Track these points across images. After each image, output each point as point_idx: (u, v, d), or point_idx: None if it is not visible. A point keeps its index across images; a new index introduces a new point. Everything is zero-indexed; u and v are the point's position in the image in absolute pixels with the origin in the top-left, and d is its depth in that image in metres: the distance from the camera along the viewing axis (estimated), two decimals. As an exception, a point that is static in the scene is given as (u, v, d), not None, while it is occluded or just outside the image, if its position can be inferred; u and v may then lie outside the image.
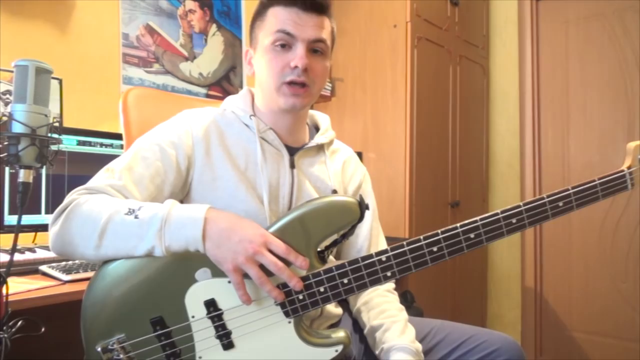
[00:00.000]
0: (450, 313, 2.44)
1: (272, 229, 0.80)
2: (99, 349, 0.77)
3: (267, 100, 0.98)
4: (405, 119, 2.19)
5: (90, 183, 0.86)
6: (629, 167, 0.87)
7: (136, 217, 0.78)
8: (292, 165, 0.98)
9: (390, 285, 1.06)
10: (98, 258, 0.80)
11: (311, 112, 1.11)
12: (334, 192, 1.01)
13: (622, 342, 2.41)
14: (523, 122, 2.75)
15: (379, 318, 0.97)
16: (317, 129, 1.09)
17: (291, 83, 0.93)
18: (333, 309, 1.01)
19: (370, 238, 1.06)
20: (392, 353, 0.90)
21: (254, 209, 0.92)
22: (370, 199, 1.11)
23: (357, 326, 1.05)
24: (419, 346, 0.92)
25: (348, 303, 1.09)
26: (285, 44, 0.93)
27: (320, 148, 1.05)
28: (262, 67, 0.97)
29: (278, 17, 0.93)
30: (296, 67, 0.91)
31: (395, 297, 1.05)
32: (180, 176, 0.91)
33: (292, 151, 1.00)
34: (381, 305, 1.00)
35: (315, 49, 0.95)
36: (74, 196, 0.83)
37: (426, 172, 2.28)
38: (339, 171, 1.06)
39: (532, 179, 2.71)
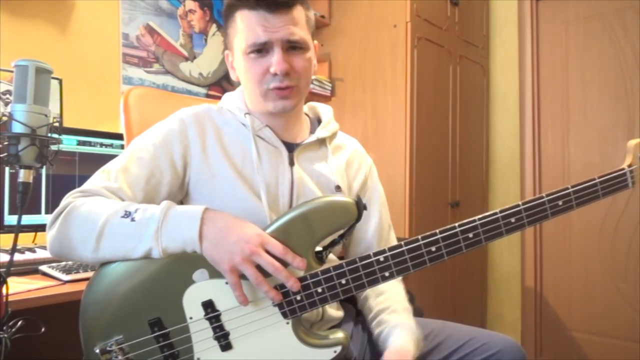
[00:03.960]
0: (451, 313, 2.44)
1: (269, 229, 0.80)
2: (98, 350, 0.77)
3: (256, 105, 0.97)
4: (405, 119, 2.19)
5: (86, 185, 0.86)
6: (629, 166, 0.86)
7: (133, 219, 0.78)
8: (292, 163, 0.97)
9: None
10: (96, 261, 0.80)
11: (313, 104, 1.10)
12: (337, 187, 1.00)
13: (622, 342, 2.41)
14: (523, 122, 2.75)
15: (387, 302, 0.98)
16: (319, 121, 1.07)
17: (276, 88, 0.91)
18: (334, 312, 1.01)
19: (379, 233, 1.05)
20: (395, 329, 0.91)
21: (252, 208, 0.91)
22: (377, 192, 1.09)
23: (358, 327, 1.04)
24: (421, 335, 0.93)
25: (349, 304, 1.09)
26: (260, 49, 0.90)
27: (322, 142, 1.03)
28: (242, 73, 0.95)
29: (247, 23, 0.90)
30: (276, 74, 0.89)
31: (402, 288, 1.05)
32: (176, 176, 0.91)
33: (291, 147, 0.98)
34: (388, 292, 1.01)
35: (293, 47, 0.91)
36: (70, 199, 0.83)
37: (426, 172, 2.28)
38: (342, 166, 1.05)
39: (532, 179, 2.71)
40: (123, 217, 0.78)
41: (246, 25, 0.90)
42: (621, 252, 2.44)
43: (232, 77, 1.01)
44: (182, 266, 0.79)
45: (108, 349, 0.77)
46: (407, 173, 2.18)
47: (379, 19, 2.28)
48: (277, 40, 0.89)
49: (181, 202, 0.96)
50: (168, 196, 0.90)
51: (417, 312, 1.89)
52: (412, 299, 2.04)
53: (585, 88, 2.57)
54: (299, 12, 0.92)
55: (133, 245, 0.78)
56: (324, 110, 1.10)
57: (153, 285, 0.79)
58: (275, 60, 0.88)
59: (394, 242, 1.06)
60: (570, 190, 0.83)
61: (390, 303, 0.98)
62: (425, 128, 2.28)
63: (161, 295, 0.79)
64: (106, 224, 0.78)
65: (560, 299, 2.63)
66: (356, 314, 1.08)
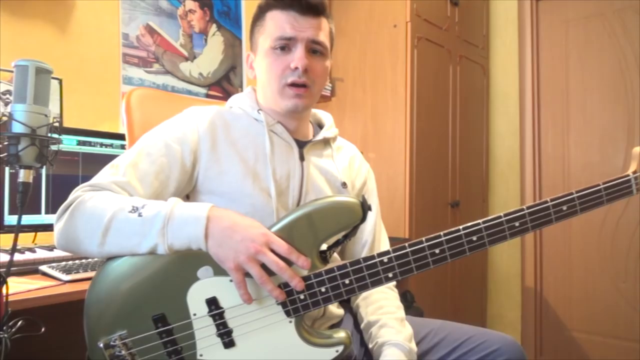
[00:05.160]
0: (451, 313, 2.44)
1: (274, 228, 0.80)
2: (101, 345, 0.78)
3: (270, 103, 1.00)
4: (405, 119, 2.19)
5: (95, 180, 0.86)
6: (634, 172, 0.86)
7: (140, 215, 0.78)
8: (302, 158, 1.00)
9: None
10: (102, 255, 0.81)
11: (313, 110, 1.13)
12: (344, 184, 1.03)
13: (622, 342, 2.41)
14: (523, 122, 2.75)
15: (376, 314, 0.98)
16: (320, 127, 1.11)
17: (292, 84, 0.94)
18: (335, 309, 1.02)
19: (374, 234, 1.08)
20: (385, 347, 0.90)
21: (260, 203, 0.92)
22: (373, 196, 1.13)
23: (358, 326, 1.05)
24: (413, 346, 0.92)
25: (350, 302, 1.09)
26: (285, 46, 0.95)
27: (327, 142, 1.07)
28: (262, 70, 0.98)
29: (276, 21, 0.95)
30: (296, 68, 0.93)
31: (395, 295, 1.05)
32: (185, 172, 0.92)
33: (300, 144, 1.01)
34: (379, 302, 1.00)
35: (314, 49, 0.96)
36: (78, 193, 0.84)
37: (426, 172, 2.28)
38: (347, 166, 1.08)
39: (532, 179, 2.71)
40: (130, 212, 0.79)
41: (275, 23, 0.95)
42: (621, 253, 2.44)
43: (250, 75, 1.06)
44: (187, 263, 0.79)
45: (112, 343, 0.78)
46: (407, 173, 2.18)
47: (379, 19, 2.28)
48: (302, 39, 0.94)
49: (187, 197, 0.97)
50: (176, 191, 0.91)
51: (417, 312, 1.89)
52: (412, 299, 2.04)
53: (585, 88, 2.57)
54: (325, 22, 0.98)
55: (139, 241, 0.78)
56: (325, 116, 1.14)
57: (157, 282, 0.79)
58: (297, 56, 0.93)
59: (386, 241, 1.10)
60: (575, 195, 0.84)
61: (379, 316, 0.97)
62: (425, 128, 2.28)
63: (165, 292, 0.79)
64: (113, 219, 0.78)
65: (560, 299, 2.63)
66: (357, 313, 1.08)
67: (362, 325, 1.00)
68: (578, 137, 2.60)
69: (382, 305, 0.99)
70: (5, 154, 0.77)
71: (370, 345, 0.95)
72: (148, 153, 0.89)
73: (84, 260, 1.19)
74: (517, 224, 0.81)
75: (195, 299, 0.79)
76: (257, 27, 1.00)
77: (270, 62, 0.96)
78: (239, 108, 1.02)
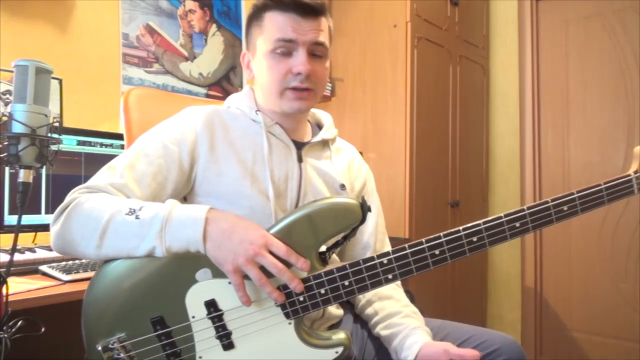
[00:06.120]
0: (450, 313, 2.44)
1: (273, 230, 0.80)
2: (100, 348, 0.77)
3: (270, 104, 0.99)
4: (405, 119, 2.19)
5: (92, 181, 0.86)
6: (635, 172, 0.86)
7: (137, 217, 0.78)
8: (300, 159, 0.99)
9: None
10: (99, 257, 0.80)
11: (313, 110, 1.12)
12: (342, 186, 1.02)
13: (622, 342, 2.41)
14: (523, 122, 2.75)
15: (396, 306, 0.99)
16: (319, 127, 1.10)
17: (294, 89, 0.93)
18: (334, 310, 1.01)
19: (376, 234, 1.07)
20: (417, 331, 0.92)
21: (259, 204, 0.92)
22: (374, 197, 1.12)
23: (357, 326, 1.05)
24: None
25: (349, 304, 1.09)
26: (285, 49, 0.93)
27: (325, 144, 1.06)
28: (262, 72, 0.97)
29: (276, 24, 0.93)
30: (299, 73, 0.92)
31: (402, 291, 1.06)
32: (183, 173, 0.91)
33: (298, 146, 1.00)
34: (394, 296, 1.02)
35: (315, 52, 0.95)
36: (75, 195, 0.83)
37: (426, 172, 2.28)
38: (345, 168, 1.07)
39: (532, 179, 2.71)
40: (127, 214, 0.78)
41: (275, 25, 0.93)
42: (621, 253, 2.44)
43: (247, 76, 1.05)
44: (185, 265, 0.79)
45: (110, 346, 0.77)
46: (407, 173, 2.18)
47: (379, 19, 2.28)
48: (304, 42, 0.92)
49: (184, 199, 0.96)
50: (174, 192, 0.90)
51: (418, 312, 1.89)
52: (412, 299, 2.04)
53: (585, 88, 2.57)
54: (324, 22, 0.96)
55: (136, 243, 0.78)
56: (325, 116, 1.13)
57: (156, 284, 0.79)
58: (300, 60, 0.92)
59: (388, 245, 1.09)
60: (576, 195, 0.83)
61: (400, 308, 0.99)
62: (425, 128, 2.28)
63: (164, 294, 0.79)
64: (110, 221, 0.78)
65: (560, 299, 2.63)
66: (355, 313, 1.08)
67: (377, 317, 1.00)
68: (578, 137, 2.60)
69: (399, 299, 1.02)
70: (5, 154, 0.77)
71: (392, 331, 0.95)
72: (145, 154, 0.89)
73: (84, 261, 1.19)
74: (517, 224, 0.81)
75: (194, 302, 0.78)
76: (254, 28, 0.98)
77: (271, 65, 0.94)
78: (237, 108, 1.01)
